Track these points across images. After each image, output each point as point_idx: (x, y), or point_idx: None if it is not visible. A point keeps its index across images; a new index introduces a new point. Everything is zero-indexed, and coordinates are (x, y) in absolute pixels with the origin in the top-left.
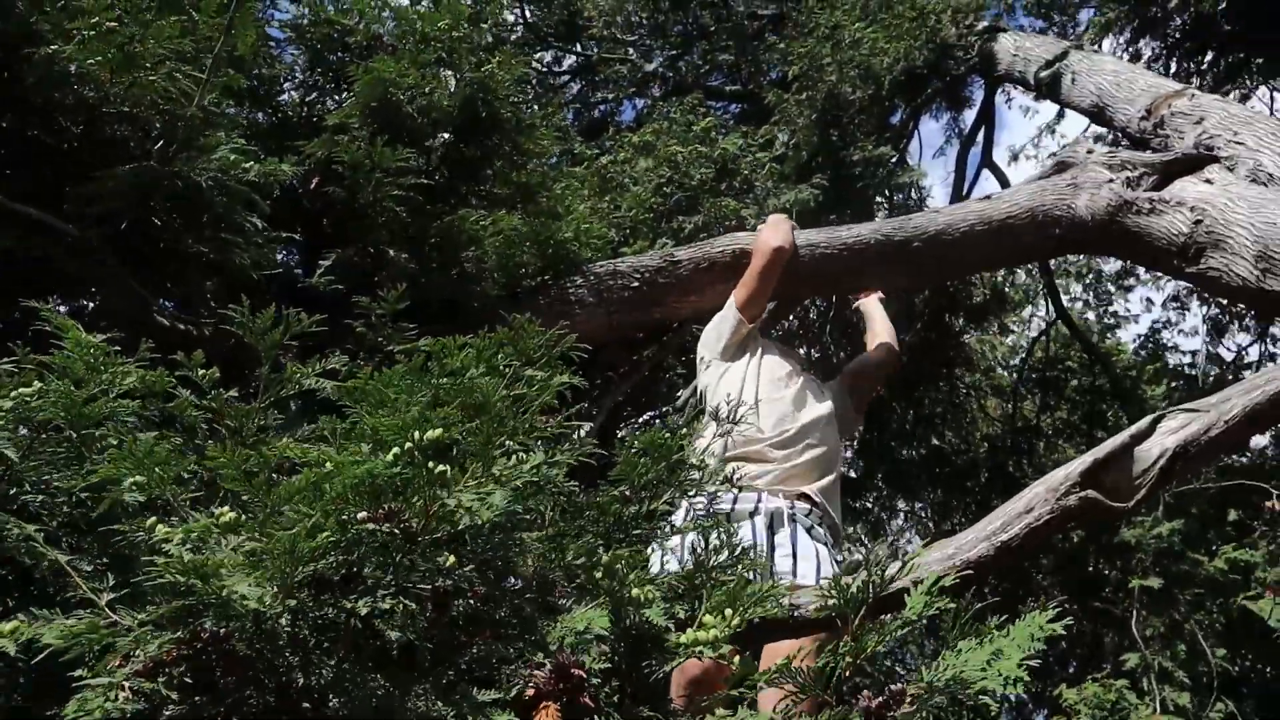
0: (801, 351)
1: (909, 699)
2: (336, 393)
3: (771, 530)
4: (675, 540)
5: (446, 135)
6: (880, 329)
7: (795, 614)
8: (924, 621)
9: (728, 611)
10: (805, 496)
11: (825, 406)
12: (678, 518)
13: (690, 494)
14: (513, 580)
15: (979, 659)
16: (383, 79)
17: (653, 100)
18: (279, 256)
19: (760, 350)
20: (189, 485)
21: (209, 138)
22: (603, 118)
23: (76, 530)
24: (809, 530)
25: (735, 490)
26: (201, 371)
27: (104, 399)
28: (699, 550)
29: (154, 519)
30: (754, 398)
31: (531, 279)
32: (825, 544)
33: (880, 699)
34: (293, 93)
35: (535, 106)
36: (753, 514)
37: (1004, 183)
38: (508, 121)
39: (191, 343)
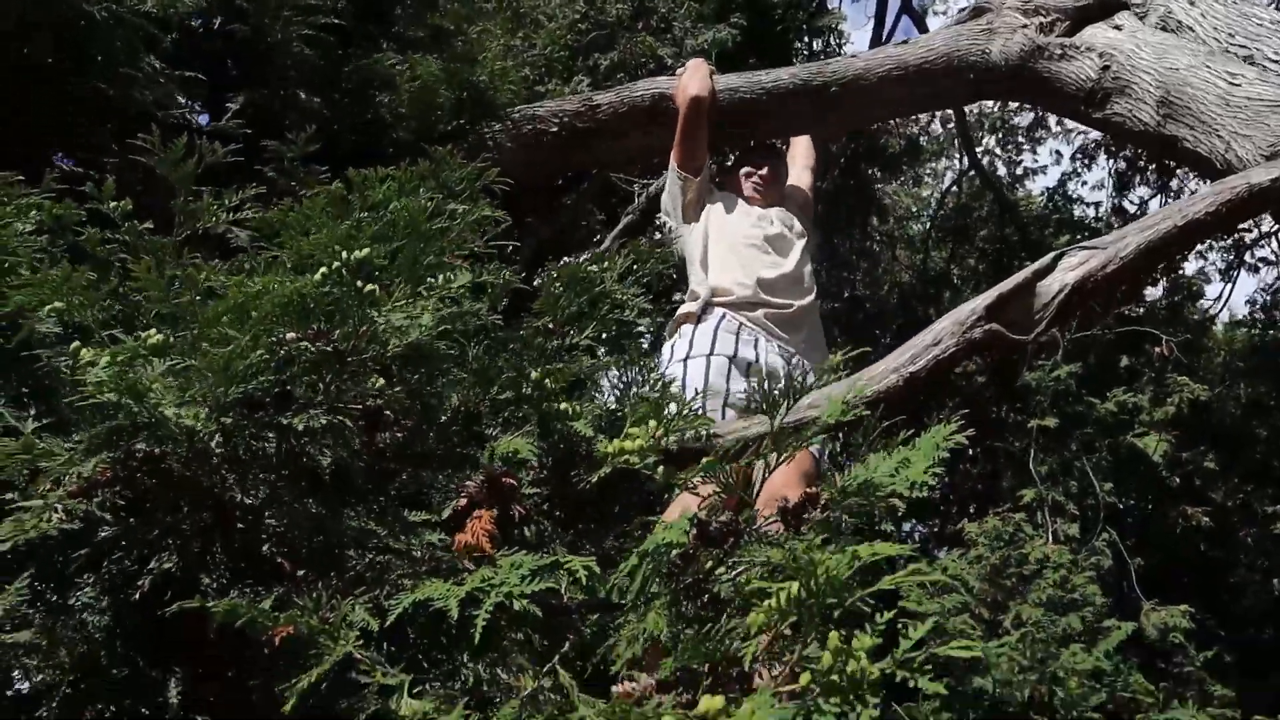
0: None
1: (823, 502)
2: (255, 225)
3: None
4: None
5: None
6: (798, 141)
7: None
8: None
9: (651, 423)
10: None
11: (800, 244)
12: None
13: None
14: (442, 417)
15: (887, 467)
16: None
17: None
18: (181, 99)
19: (720, 202)
20: (109, 313)
21: None
22: None
23: None
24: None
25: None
26: (114, 203)
27: (10, 230)
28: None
29: (77, 344)
30: (723, 250)
31: (447, 124)
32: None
33: (797, 500)
34: None
35: None
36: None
37: (923, 28)
38: None
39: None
